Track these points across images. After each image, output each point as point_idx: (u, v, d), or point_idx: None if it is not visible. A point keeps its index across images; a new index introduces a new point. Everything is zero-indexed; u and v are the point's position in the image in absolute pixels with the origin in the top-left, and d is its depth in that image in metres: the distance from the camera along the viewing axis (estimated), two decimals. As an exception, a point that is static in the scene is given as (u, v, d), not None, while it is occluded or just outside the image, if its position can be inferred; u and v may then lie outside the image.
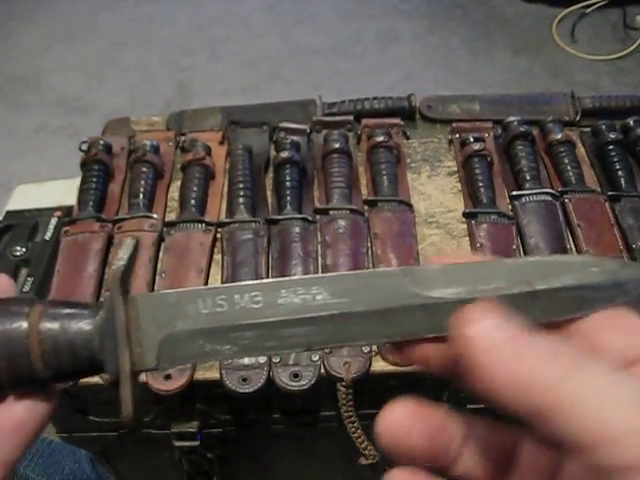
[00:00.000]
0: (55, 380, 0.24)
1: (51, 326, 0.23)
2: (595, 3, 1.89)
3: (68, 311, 0.24)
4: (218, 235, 0.71)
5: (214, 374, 0.61)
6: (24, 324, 0.23)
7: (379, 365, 0.61)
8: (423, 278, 0.23)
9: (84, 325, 0.23)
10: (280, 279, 0.24)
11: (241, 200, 0.73)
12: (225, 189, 0.76)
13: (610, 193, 0.73)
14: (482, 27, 1.95)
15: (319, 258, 0.68)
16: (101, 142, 0.78)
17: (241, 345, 0.23)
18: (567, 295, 0.23)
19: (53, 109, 1.77)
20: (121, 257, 0.24)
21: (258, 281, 0.24)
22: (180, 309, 0.23)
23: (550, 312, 0.23)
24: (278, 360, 0.60)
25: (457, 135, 0.81)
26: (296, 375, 0.60)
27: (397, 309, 0.23)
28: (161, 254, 0.70)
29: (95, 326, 0.23)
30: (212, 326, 0.23)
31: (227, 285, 0.24)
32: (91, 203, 0.74)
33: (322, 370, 0.61)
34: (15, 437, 0.23)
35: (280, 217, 0.71)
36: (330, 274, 0.24)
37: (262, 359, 0.61)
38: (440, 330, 0.22)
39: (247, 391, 0.59)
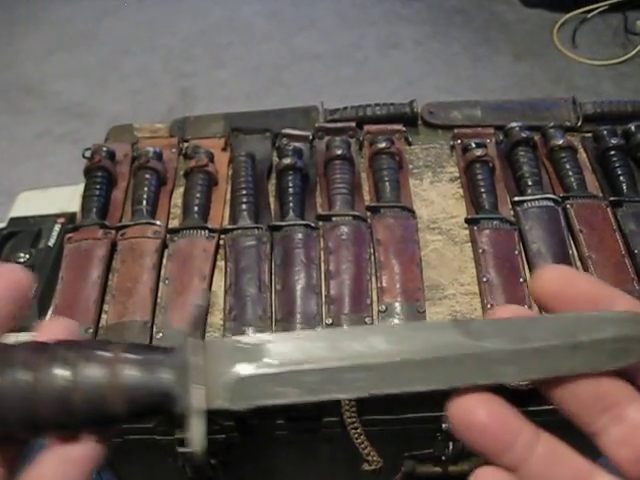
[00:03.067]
0: (129, 420, 0.25)
1: (131, 372, 0.24)
2: (596, 8, 1.90)
3: (146, 356, 0.25)
4: (221, 242, 0.71)
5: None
6: (105, 370, 0.24)
7: (382, 371, 0.61)
8: (473, 329, 0.25)
9: (162, 368, 0.25)
10: (342, 329, 0.26)
11: (244, 206, 0.73)
12: (228, 196, 0.77)
13: (612, 198, 0.73)
14: (483, 32, 1.95)
15: (322, 264, 0.69)
16: (104, 149, 0.79)
17: (306, 388, 0.24)
18: (608, 347, 0.24)
19: (56, 116, 1.77)
20: (198, 303, 0.27)
21: (322, 330, 0.25)
22: (253, 353, 0.25)
23: (592, 363, 0.24)
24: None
25: (459, 141, 0.81)
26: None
27: (450, 357, 0.25)
28: (164, 261, 0.70)
29: (171, 367, 0.25)
30: (280, 370, 0.24)
31: (301, 332, 0.25)
32: (94, 210, 0.74)
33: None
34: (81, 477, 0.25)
35: (283, 223, 0.71)
36: (387, 325, 0.26)
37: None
38: (489, 378, 0.24)
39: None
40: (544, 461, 0.24)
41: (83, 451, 0.25)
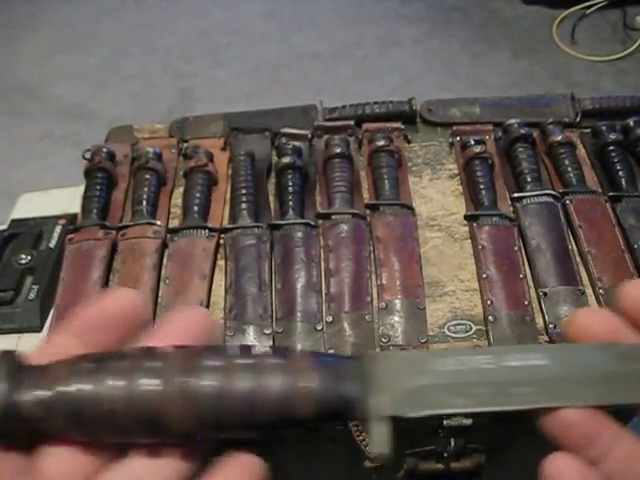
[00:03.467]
0: (314, 423, 0.27)
1: (321, 378, 0.26)
2: (595, 4, 1.90)
3: (333, 365, 0.27)
4: (221, 241, 0.72)
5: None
6: (294, 377, 0.26)
7: (383, 368, 0.62)
8: (625, 352, 0.26)
9: (348, 376, 0.26)
10: (507, 347, 0.27)
11: (244, 206, 0.73)
12: (228, 195, 0.77)
13: (611, 194, 0.73)
14: (482, 30, 1.95)
15: (322, 262, 0.69)
16: (104, 150, 0.79)
17: (475, 400, 0.26)
18: None
19: (56, 117, 1.78)
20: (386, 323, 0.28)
21: (490, 347, 0.26)
22: (426, 365, 0.27)
23: None
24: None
25: (458, 138, 0.81)
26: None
27: (605, 376, 0.26)
28: (165, 261, 0.70)
29: (356, 375, 0.26)
30: (452, 381, 0.26)
31: (465, 349, 0.27)
32: (95, 211, 0.74)
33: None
34: None
35: (282, 222, 0.71)
36: (543, 345, 0.27)
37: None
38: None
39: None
40: (624, 457, 0.25)
41: (256, 463, 0.26)
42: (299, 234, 0.70)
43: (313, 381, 0.26)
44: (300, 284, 0.67)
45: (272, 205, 0.76)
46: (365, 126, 0.82)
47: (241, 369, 0.26)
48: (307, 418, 0.26)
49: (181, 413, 0.25)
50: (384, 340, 0.63)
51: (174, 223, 0.75)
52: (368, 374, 0.26)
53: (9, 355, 0.26)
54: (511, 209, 0.73)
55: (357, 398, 0.26)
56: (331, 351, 0.62)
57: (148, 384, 0.25)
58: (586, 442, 0.25)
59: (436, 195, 0.77)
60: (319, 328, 0.64)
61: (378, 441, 0.26)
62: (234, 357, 0.26)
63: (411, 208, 0.73)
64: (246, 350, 0.27)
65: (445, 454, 0.72)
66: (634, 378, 0.26)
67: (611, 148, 0.77)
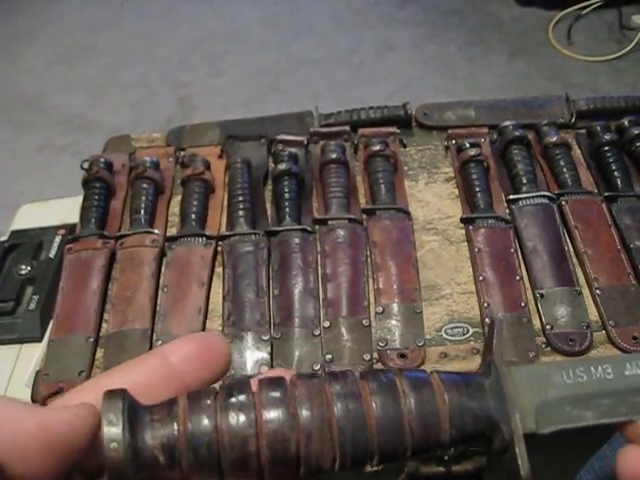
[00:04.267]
0: (451, 446, 0.25)
1: (453, 396, 0.25)
2: (591, 4, 1.90)
3: (467, 382, 0.26)
4: (219, 248, 0.72)
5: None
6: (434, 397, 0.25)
7: (381, 372, 0.62)
8: None
9: (484, 394, 0.26)
10: (622, 356, 0.27)
11: (241, 213, 0.74)
12: (225, 202, 0.77)
13: (607, 194, 0.73)
14: (478, 33, 1.96)
15: (319, 268, 0.69)
16: (102, 160, 0.80)
17: (600, 411, 0.26)
18: None
19: (56, 128, 1.79)
20: (494, 339, 0.28)
21: (609, 357, 0.27)
22: (549, 378, 0.27)
23: None
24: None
25: (453, 141, 0.81)
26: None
27: None
28: (163, 269, 0.71)
29: (490, 392, 0.26)
30: (577, 393, 0.26)
31: (583, 359, 0.27)
32: (93, 220, 0.75)
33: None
34: None
35: (279, 228, 0.72)
36: None
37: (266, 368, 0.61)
38: None
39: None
40: None
41: None
42: (296, 240, 0.70)
43: (454, 403, 0.25)
44: (297, 290, 0.67)
45: (269, 212, 0.76)
46: (361, 131, 0.82)
47: (376, 395, 0.24)
48: (450, 440, 0.25)
49: (319, 447, 0.23)
50: (381, 344, 0.63)
51: (172, 231, 0.75)
52: (504, 391, 0.26)
53: (123, 394, 0.23)
54: (507, 211, 0.73)
55: (500, 417, 0.25)
56: (329, 356, 0.62)
57: (281, 419, 0.23)
58: None
59: (432, 199, 0.77)
60: (317, 333, 0.64)
61: (522, 462, 0.25)
62: (363, 381, 0.25)
63: (407, 212, 0.73)
64: (375, 374, 0.25)
65: (446, 457, 0.72)
66: None
67: (606, 148, 0.77)
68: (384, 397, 0.24)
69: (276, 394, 0.24)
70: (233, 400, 0.23)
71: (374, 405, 0.24)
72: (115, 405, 0.22)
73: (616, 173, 0.75)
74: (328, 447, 0.23)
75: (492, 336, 0.28)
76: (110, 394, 0.23)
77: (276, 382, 0.24)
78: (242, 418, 0.23)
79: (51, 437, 0.21)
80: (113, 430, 0.21)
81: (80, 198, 0.79)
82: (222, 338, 0.28)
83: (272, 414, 0.23)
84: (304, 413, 0.23)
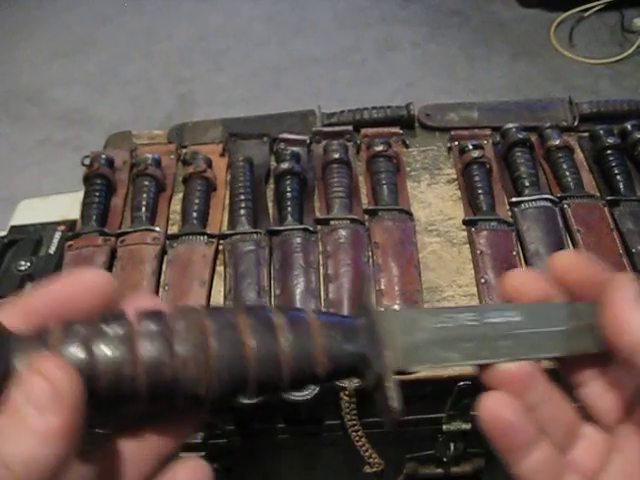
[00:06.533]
0: (330, 378, 0.27)
1: (334, 336, 0.27)
2: (593, 7, 1.90)
3: (343, 323, 0.28)
4: (220, 247, 0.72)
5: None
6: (309, 336, 0.26)
7: (382, 374, 0.62)
8: (577, 309, 0.29)
9: (359, 333, 0.28)
10: (486, 305, 0.29)
11: (242, 212, 0.74)
12: (226, 201, 0.77)
13: (609, 198, 0.73)
14: (480, 33, 1.96)
15: (320, 268, 0.69)
16: (103, 156, 0.79)
17: (464, 354, 0.28)
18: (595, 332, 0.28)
19: (56, 123, 1.78)
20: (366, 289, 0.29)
21: (472, 306, 0.28)
22: (418, 323, 0.28)
23: (591, 345, 0.28)
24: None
25: (456, 143, 0.81)
26: (299, 385, 0.60)
27: (564, 330, 0.29)
28: (164, 267, 0.70)
29: (362, 332, 0.28)
30: (443, 336, 0.28)
31: (450, 307, 0.29)
32: (94, 217, 0.75)
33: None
34: None
35: (281, 228, 0.72)
36: (519, 305, 0.29)
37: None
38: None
39: (253, 401, 0.60)
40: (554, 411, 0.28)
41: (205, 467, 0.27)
42: (298, 240, 0.70)
43: (330, 338, 0.26)
44: (299, 290, 0.67)
45: (271, 211, 0.76)
46: (363, 131, 0.82)
47: (252, 329, 0.25)
48: (325, 374, 0.26)
49: (195, 375, 0.24)
50: (383, 345, 0.63)
51: (173, 229, 0.75)
52: (376, 331, 0.27)
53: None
54: (509, 214, 0.73)
55: (372, 354, 0.27)
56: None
57: (158, 349, 0.24)
58: (522, 389, 0.27)
59: (434, 200, 0.77)
60: (318, 334, 0.64)
61: (393, 395, 0.26)
62: (242, 315, 0.26)
63: (409, 213, 0.73)
64: (253, 309, 0.27)
65: (445, 459, 0.72)
66: (587, 332, 0.28)
67: (609, 152, 0.77)
68: (261, 329, 0.26)
69: (154, 325, 0.25)
70: (108, 329, 0.24)
71: (250, 336, 0.25)
72: None
73: (619, 177, 0.75)
74: (203, 372, 0.24)
75: (365, 287, 0.30)
76: None
77: (155, 314, 0.25)
78: (118, 346, 0.24)
79: None
80: None
81: (80, 194, 0.79)
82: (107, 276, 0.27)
83: (149, 344, 0.24)
84: (182, 342, 0.24)
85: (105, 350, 0.24)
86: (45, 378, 0.22)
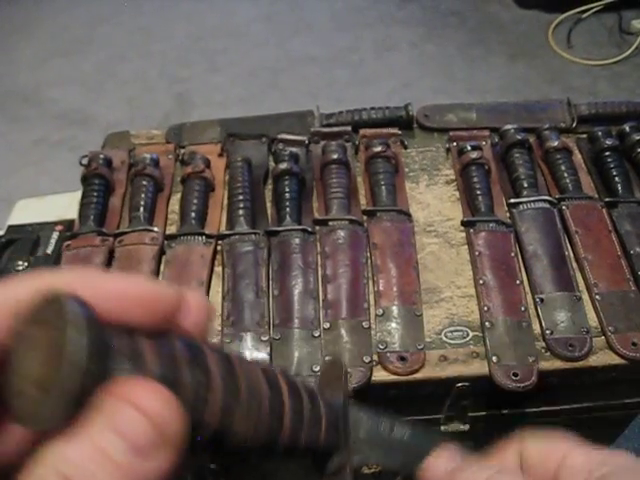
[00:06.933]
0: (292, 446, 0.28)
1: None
2: (591, 8, 1.91)
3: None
4: (218, 247, 0.72)
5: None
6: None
7: (380, 375, 0.62)
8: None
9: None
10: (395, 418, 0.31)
11: (241, 212, 0.74)
12: (225, 201, 0.77)
13: (607, 199, 0.73)
14: (478, 34, 1.96)
15: (319, 269, 0.69)
16: (101, 156, 0.79)
17: (389, 457, 0.31)
18: None
19: (53, 122, 1.78)
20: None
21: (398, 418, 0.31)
22: (363, 423, 0.30)
23: None
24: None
25: (454, 144, 0.81)
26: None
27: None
28: (162, 267, 0.70)
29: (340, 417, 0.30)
30: (371, 438, 0.31)
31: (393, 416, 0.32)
32: (92, 217, 0.74)
33: (323, 380, 0.61)
34: None
35: (280, 229, 0.71)
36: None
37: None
38: None
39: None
40: None
41: None
42: (296, 240, 0.70)
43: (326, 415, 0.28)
44: (297, 290, 0.67)
45: (269, 211, 0.76)
46: (362, 132, 0.82)
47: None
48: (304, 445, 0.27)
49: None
50: (381, 347, 0.63)
51: (171, 229, 0.74)
52: (347, 422, 0.30)
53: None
54: (508, 215, 0.73)
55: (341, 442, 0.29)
56: (328, 358, 0.62)
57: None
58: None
59: (433, 201, 0.77)
60: (316, 335, 0.64)
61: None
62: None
63: (408, 214, 0.73)
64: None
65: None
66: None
67: (607, 154, 0.77)
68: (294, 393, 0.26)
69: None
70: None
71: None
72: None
73: (617, 179, 0.75)
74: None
75: (343, 375, 0.32)
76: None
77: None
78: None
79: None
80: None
81: (77, 194, 0.78)
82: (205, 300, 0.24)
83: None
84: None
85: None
86: (147, 416, 0.19)
